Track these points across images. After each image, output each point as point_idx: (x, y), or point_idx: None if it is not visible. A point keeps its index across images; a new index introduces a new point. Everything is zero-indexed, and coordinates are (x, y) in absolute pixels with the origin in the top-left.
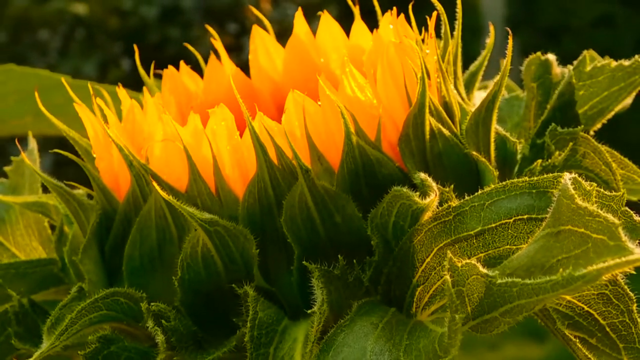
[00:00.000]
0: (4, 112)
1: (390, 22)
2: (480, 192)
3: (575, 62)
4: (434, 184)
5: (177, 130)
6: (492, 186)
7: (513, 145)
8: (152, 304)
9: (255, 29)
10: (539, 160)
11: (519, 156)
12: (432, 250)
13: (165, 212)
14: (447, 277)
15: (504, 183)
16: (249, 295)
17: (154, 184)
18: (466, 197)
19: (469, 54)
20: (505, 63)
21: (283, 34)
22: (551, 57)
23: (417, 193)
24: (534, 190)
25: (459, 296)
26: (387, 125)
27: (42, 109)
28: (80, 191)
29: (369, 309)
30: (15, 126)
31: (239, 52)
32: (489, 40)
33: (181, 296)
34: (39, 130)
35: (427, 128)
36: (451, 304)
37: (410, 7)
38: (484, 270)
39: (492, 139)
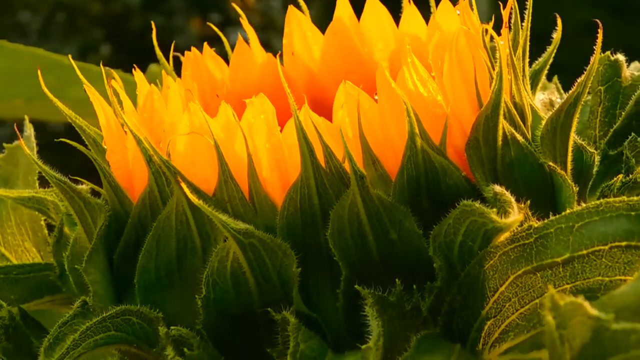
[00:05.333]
0: None
1: (449, 7)
2: (568, 211)
3: None
4: (513, 200)
5: (208, 122)
6: (583, 205)
7: (590, 157)
8: (171, 327)
9: (292, 10)
10: (620, 176)
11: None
12: (507, 277)
13: (188, 218)
14: (550, 317)
15: (597, 202)
16: (290, 322)
17: (182, 184)
18: (551, 217)
19: None
20: (593, 61)
21: (267, 26)
22: (621, 57)
23: (494, 210)
24: (632, 213)
25: (562, 342)
26: (453, 127)
27: (46, 91)
28: (84, 187)
29: (430, 345)
30: (2, 109)
31: (221, 43)
32: (556, 35)
33: (204, 318)
34: (31, 116)
35: (500, 132)
36: (553, 353)
37: None
38: (594, 312)
39: (570, 149)
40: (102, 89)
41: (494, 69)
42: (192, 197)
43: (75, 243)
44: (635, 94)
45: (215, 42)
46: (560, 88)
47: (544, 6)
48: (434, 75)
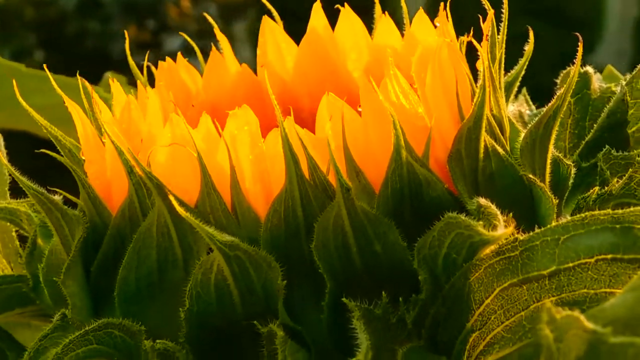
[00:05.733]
0: None
1: (424, 19)
2: (554, 224)
3: (627, 77)
4: (498, 213)
5: (191, 133)
6: (569, 218)
7: (567, 170)
8: (157, 341)
9: (266, 21)
10: (596, 188)
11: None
12: (493, 290)
13: (170, 230)
14: (547, 331)
15: (582, 215)
16: (277, 335)
17: (172, 198)
18: (536, 230)
19: None
20: (573, 73)
21: (204, 33)
22: (590, 70)
23: (481, 223)
24: (617, 226)
25: (559, 355)
26: (435, 139)
27: (21, 101)
28: (58, 197)
29: (418, 358)
30: None
31: (157, 49)
32: (528, 47)
33: (187, 330)
34: None
35: (482, 145)
36: None
37: (447, 3)
38: (590, 325)
39: (549, 162)
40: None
41: (475, 82)
42: (180, 210)
43: (51, 254)
44: (607, 106)
45: (150, 48)
46: (529, 100)
47: (476, 16)
48: (415, 87)
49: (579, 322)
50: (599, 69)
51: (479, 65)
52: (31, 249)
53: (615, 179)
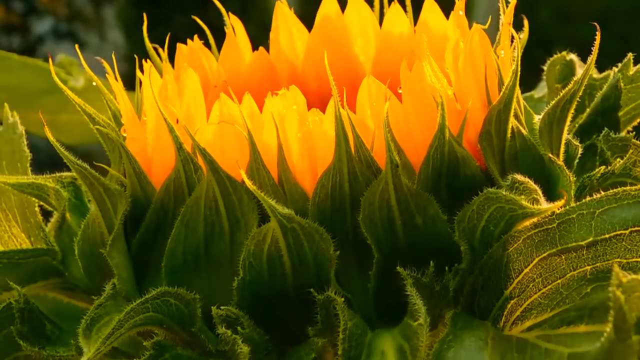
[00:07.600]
0: None
1: (434, 6)
2: (588, 199)
3: (620, 65)
4: (537, 188)
5: (242, 113)
6: (602, 193)
7: (575, 150)
8: (222, 307)
9: (279, 6)
10: (602, 167)
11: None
12: (532, 260)
13: (219, 203)
14: (618, 292)
15: (614, 191)
16: (337, 302)
17: (243, 173)
18: (571, 204)
19: None
20: (591, 60)
21: (74, 17)
22: (574, 57)
23: (523, 197)
24: None
25: (630, 314)
26: (467, 120)
27: (56, 79)
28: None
29: (465, 322)
30: None
31: (24, 32)
32: (523, 35)
33: (238, 299)
34: None
35: (510, 126)
36: (621, 324)
37: None
38: None
39: (563, 142)
40: (24, 76)
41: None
42: (248, 182)
43: (87, 228)
44: (599, 92)
45: (18, 32)
46: None
47: None
48: (447, 72)
49: None
50: None
51: (499, 51)
52: (60, 223)
53: (618, 159)
